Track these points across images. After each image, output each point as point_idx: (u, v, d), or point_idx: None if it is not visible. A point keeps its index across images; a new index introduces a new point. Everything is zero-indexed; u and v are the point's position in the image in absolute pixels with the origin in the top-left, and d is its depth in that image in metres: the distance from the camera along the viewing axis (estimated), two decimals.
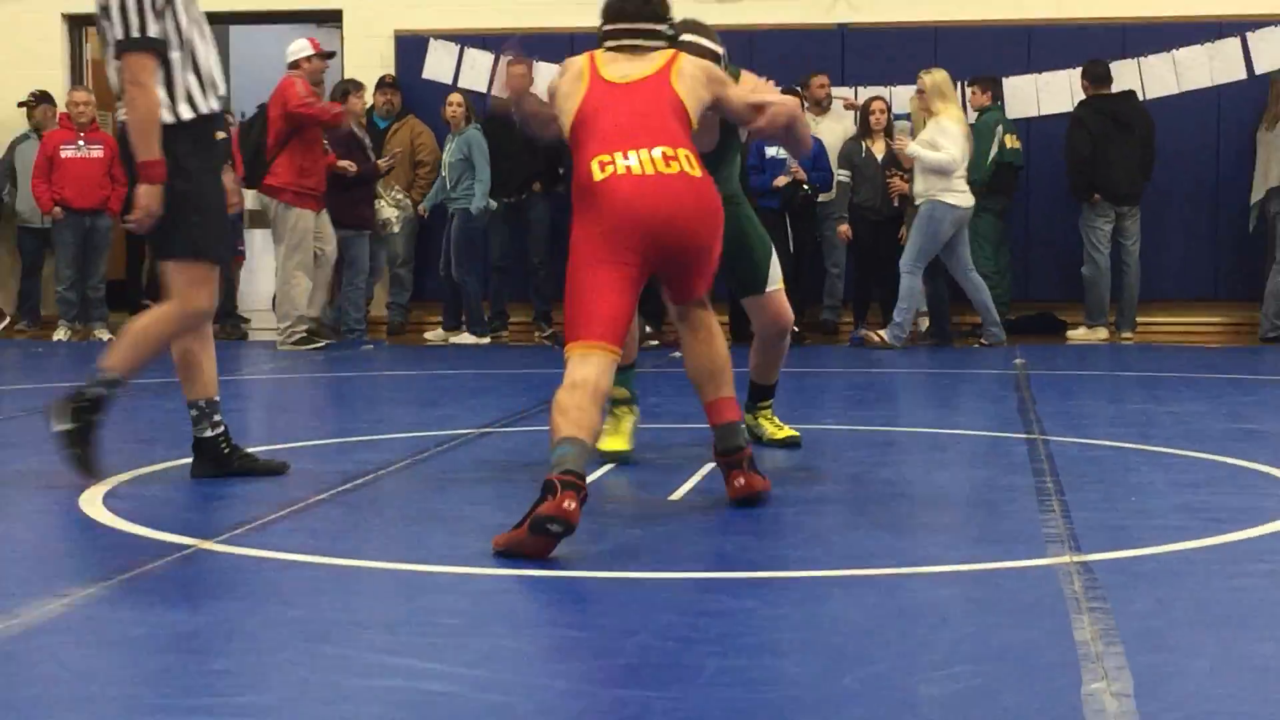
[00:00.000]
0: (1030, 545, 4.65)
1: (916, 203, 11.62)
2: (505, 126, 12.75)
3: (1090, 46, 12.80)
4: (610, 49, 5.35)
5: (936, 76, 11.69)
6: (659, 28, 5.42)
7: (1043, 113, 13.05)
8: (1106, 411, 8.36)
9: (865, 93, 12.90)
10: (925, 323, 12.47)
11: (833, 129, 12.85)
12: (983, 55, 12.73)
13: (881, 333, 11.71)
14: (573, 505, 4.37)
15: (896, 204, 12.06)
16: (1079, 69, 12.67)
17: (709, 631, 3.70)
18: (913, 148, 11.47)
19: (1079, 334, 12.63)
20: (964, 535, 4.90)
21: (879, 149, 12.31)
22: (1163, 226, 12.80)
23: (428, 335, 13.03)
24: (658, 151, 5.03)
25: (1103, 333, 12.55)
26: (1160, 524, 5.01)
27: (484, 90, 13.53)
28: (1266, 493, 5.54)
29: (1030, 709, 3.12)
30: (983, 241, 12.12)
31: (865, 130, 12.49)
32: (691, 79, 5.26)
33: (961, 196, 11.49)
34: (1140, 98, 12.72)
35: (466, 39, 13.78)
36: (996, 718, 3.07)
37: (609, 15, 5.42)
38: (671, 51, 5.35)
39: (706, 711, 3.11)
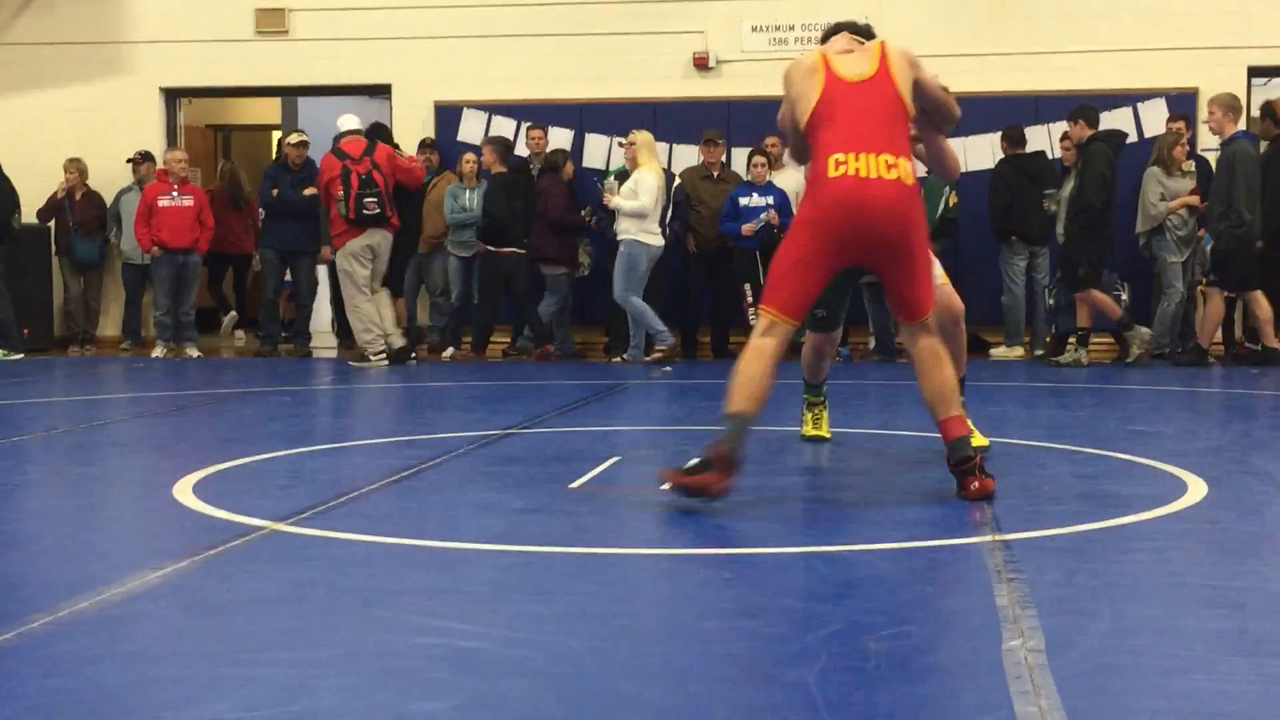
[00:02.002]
0: (959, 527, 4.64)
1: (619, 238, 11.87)
2: (525, 175, 12.82)
3: (1007, 114, 12.81)
4: (834, 45, 5.28)
5: (644, 136, 12.08)
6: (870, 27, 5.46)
7: (968, 169, 13.03)
8: (1022, 416, 8.35)
9: None
10: (872, 341, 12.48)
11: (794, 177, 12.86)
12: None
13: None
14: (724, 484, 4.75)
15: None
16: (999, 133, 12.71)
17: (695, 598, 3.70)
18: (615, 200, 11.83)
19: (999, 351, 12.66)
20: (903, 518, 4.89)
21: None
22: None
23: (444, 355, 12.92)
24: (883, 158, 4.91)
25: (1019, 350, 12.58)
26: (1067, 509, 5.02)
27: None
28: (1154, 483, 5.53)
29: (959, 661, 3.12)
30: None
31: None
32: (900, 65, 5.10)
33: (654, 237, 11.88)
34: (1049, 156, 12.76)
35: (493, 108, 13.82)
36: (932, 667, 3.07)
37: (831, 31, 5.44)
38: (879, 42, 5.21)
39: (692, 662, 3.11)
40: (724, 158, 12.82)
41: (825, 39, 5.49)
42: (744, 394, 4.85)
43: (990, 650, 3.14)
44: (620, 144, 12.41)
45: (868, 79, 5.05)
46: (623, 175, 12.22)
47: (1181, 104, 12.79)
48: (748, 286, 12.13)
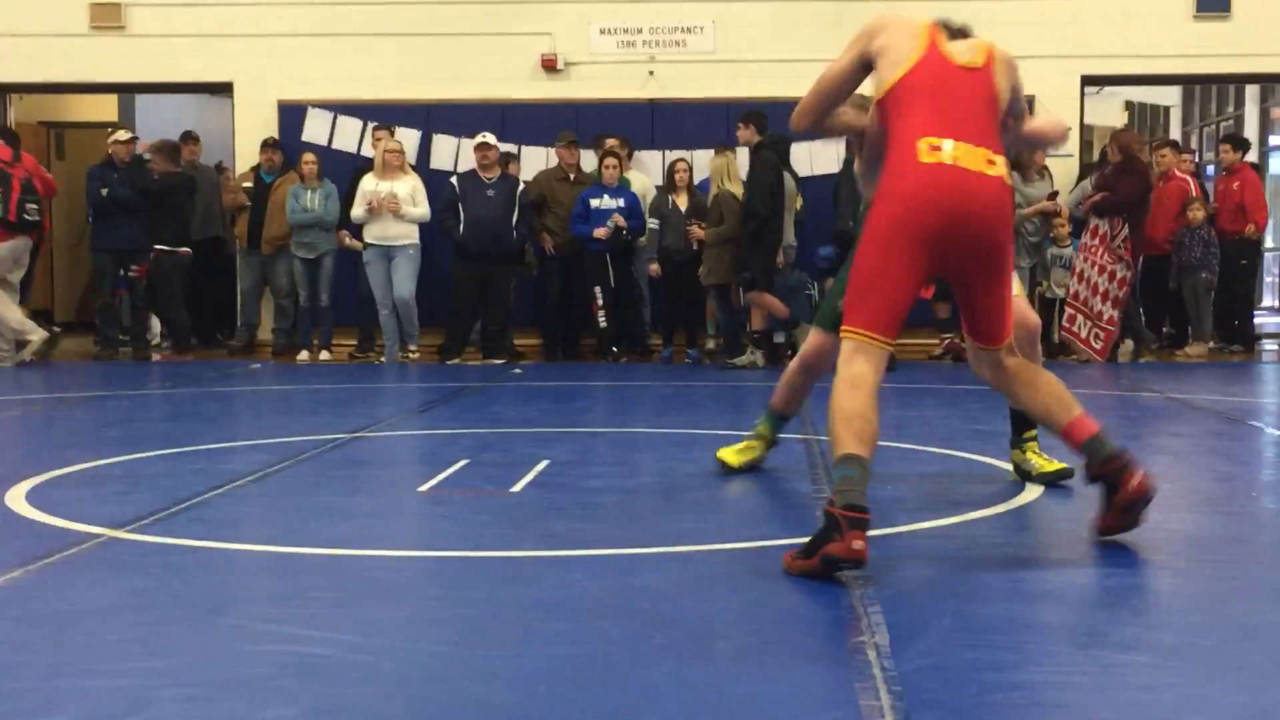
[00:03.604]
0: (806, 524, 4.69)
1: (402, 243, 12.05)
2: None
3: None
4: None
5: (401, 145, 12.42)
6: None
7: (815, 173, 13.24)
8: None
9: (671, 155, 12.99)
10: (711, 342, 12.63)
11: (643, 180, 12.97)
12: (769, 126, 12.87)
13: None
14: (861, 545, 3.77)
15: (695, 247, 12.15)
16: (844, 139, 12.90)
17: (544, 600, 3.70)
18: (410, 210, 12.07)
19: None
20: (753, 517, 4.94)
21: (682, 201, 12.39)
22: None
23: (299, 357, 12.77)
24: (983, 152, 4.16)
25: None
26: (911, 507, 5.09)
27: (353, 150, 13.45)
28: (994, 481, 5.66)
29: (808, 657, 3.17)
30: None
31: (670, 186, 12.57)
32: (1004, 67, 4.38)
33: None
34: None
35: (339, 108, 13.66)
36: (781, 664, 3.11)
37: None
38: (987, 40, 4.46)
39: (542, 664, 3.11)
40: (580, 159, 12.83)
41: None
42: (851, 434, 4.00)
43: (837, 647, 3.20)
44: (478, 143, 12.32)
45: (976, 68, 4.31)
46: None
47: None
48: (598, 289, 12.18)
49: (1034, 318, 5.42)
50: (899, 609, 3.54)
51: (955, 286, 4.38)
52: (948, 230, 4.09)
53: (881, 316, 4.10)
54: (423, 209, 12.17)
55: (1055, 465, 5.46)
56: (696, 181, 12.58)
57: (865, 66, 4.39)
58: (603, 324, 12.28)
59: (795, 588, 3.81)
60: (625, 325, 12.51)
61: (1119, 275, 11.81)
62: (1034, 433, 5.53)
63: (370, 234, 12.13)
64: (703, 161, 12.70)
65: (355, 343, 12.82)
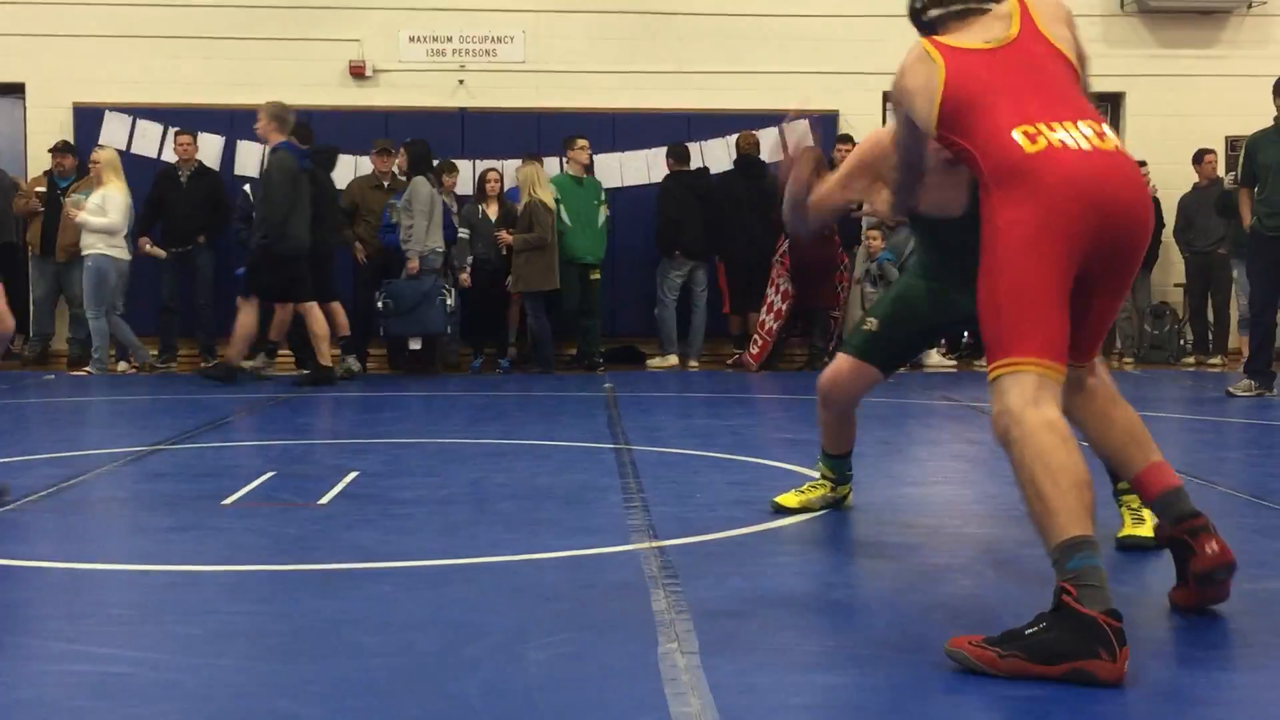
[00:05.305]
0: (617, 534, 4.74)
1: (84, 253, 11.91)
2: (173, 182, 12.40)
3: (663, 131, 13.13)
4: (936, 19, 3.75)
5: (107, 154, 12.18)
6: None
7: (625, 184, 13.35)
8: (678, 425, 8.56)
9: (481, 165, 12.94)
10: (513, 351, 12.63)
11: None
12: (576, 136, 12.94)
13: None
14: (1126, 665, 3.00)
15: (505, 253, 12.13)
16: (659, 149, 13.02)
17: (354, 613, 3.66)
18: (82, 216, 11.88)
19: (654, 362, 12.99)
20: (564, 527, 4.95)
21: (493, 211, 12.37)
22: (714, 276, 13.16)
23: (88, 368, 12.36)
24: (1085, 127, 3.39)
25: (673, 359, 12.93)
26: (721, 515, 5.15)
27: (154, 155, 13.12)
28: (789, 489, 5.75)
29: (617, 666, 3.19)
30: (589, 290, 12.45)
31: (481, 196, 12.53)
32: (1052, 22, 3.62)
33: (120, 251, 12.02)
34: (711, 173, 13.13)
35: (138, 111, 13.30)
36: (591, 674, 3.12)
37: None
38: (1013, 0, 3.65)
39: (352, 677, 3.07)
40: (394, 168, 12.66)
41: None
42: (1082, 506, 3.13)
43: (647, 654, 3.22)
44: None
45: (1008, 42, 3.57)
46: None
47: (824, 125, 13.41)
48: None
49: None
50: (708, 614, 3.58)
51: (1088, 286, 3.45)
52: (1094, 212, 3.32)
53: (1051, 339, 3.28)
54: (106, 219, 11.80)
55: (1146, 531, 4.42)
56: (506, 190, 12.58)
57: (914, 124, 3.69)
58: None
59: (606, 597, 3.83)
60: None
61: (783, 289, 12.43)
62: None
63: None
64: (511, 170, 12.70)
65: (156, 352, 12.50)
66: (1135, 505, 4.51)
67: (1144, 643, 3.34)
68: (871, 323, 4.86)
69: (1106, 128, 3.44)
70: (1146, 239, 3.46)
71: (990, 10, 3.64)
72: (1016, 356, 3.26)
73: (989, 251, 3.35)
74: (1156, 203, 10.95)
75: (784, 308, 12.48)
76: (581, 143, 12.56)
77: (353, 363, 11.73)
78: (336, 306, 11.45)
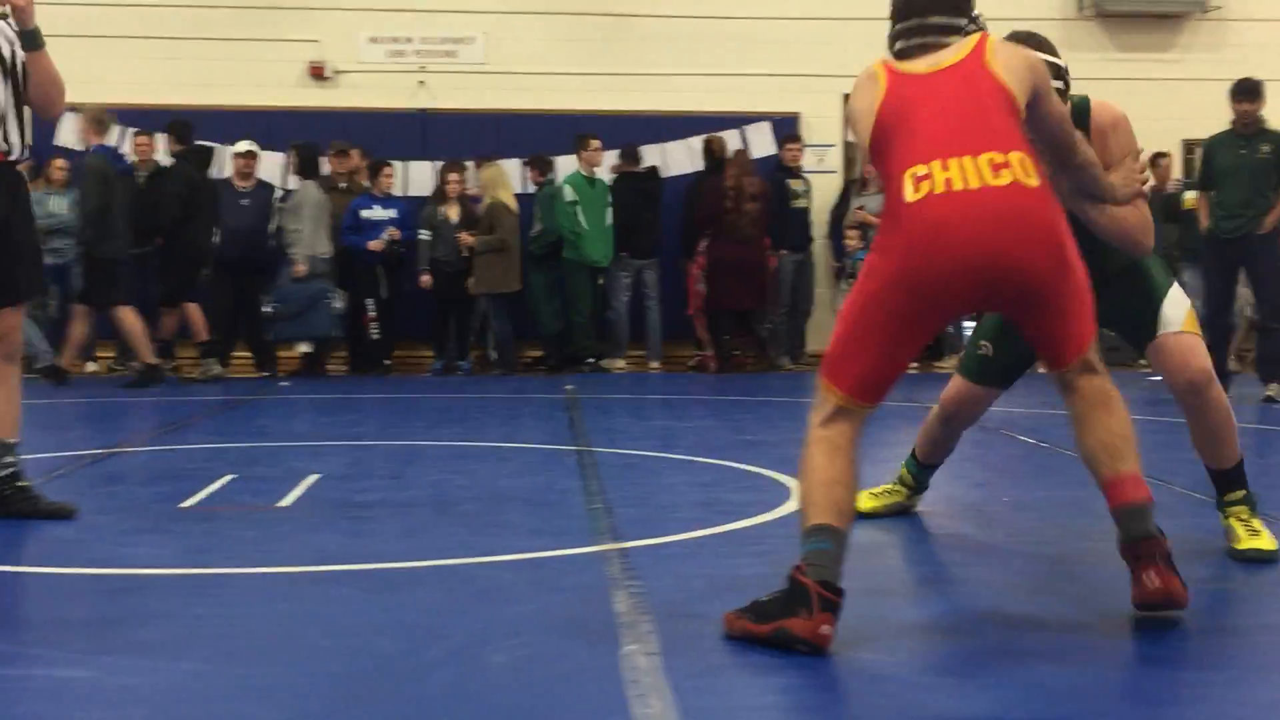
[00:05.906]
0: (579, 536, 4.74)
1: None
2: (130, 182, 12.31)
3: (621, 132, 13.08)
4: (901, 51, 3.71)
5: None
6: (958, 21, 3.69)
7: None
8: (638, 427, 8.56)
9: (442, 166, 12.91)
10: (493, 354, 12.61)
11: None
12: (536, 138, 12.94)
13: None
14: (828, 630, 3.26)
15: (465, 254, 12.11)
16: (616, 150, 13.01)
17: (315, 615, 3.65)
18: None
19: (605, 364, 12.90)
20: (526, 529, 4.95)
21: (453, 213, 12.34)
22: (673, 275, 13.09)
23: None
24: (985, 159, 3.41)
25: (621, 363, 12.78)
26: (682, 516, 5.15)
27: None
28: (763, 490, 5.77)
29: (579, 669, 3.18)
30: (553, 295, 12.42)
31: (441, 197, 12.49)
32: (1009, 60, 3.58)
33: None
34: (662, 175, 13.13)
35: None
36: (553, 677, 3.12)
37: (898, 11, 3.75)
38: (980, 34, 3.66)
39: (312, 681, 3.06)
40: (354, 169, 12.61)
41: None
42: (830, 502, 3.46)
43: (609, 656, 3.22)
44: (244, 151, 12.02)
45: (948, 66, 3.59)
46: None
47: (785, 127, 13.45)
48: (370, 301, 12.02)
49: (1195, 363, 4.28)
50: (670, 616, 3.58)
51: (1011, 320, 3.71)
52: (952, 277, 3.40)
53: (863, 379, 3.52)
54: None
55: (1265, 544, 4.31)
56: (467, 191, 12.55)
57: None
58: (374, 335, 12.13)
59: (568, 599, 3.83)
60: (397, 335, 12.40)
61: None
62: (1238, 494, 4.43)
63: None
64: (473, 172, 12.67)
65: (114, 355, 12.41)
66: (1245, 516, 4.39)
67: (1102, 643, 3.37)
68: (986, 346, 4.80)
69: (1016, 157, 3.43)
70: (1034, 277, 3.42)
71: (950, 44, 3.64)
72: (831, 384, 3.56)
73: (856, 282, 3.58)
74: None
75: (699, 307, 12.55)
76: (595, 143, 12.51)
77: (211, 365, 11.51)
78: (194, 308, 11.42)
